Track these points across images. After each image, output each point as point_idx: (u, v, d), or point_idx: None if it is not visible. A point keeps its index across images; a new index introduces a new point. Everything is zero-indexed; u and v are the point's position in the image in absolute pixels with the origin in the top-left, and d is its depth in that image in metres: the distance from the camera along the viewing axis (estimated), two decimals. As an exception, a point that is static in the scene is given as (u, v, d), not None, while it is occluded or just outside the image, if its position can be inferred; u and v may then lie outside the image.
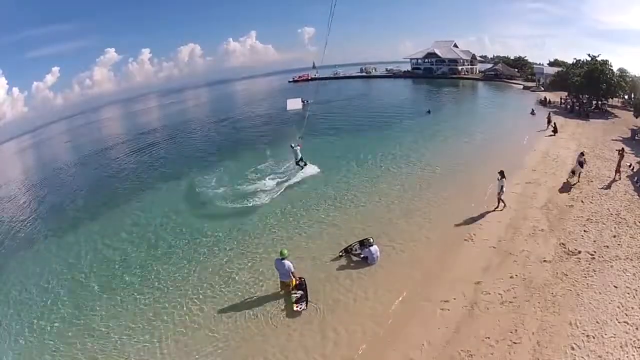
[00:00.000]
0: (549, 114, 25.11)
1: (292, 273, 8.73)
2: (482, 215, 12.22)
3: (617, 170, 14.54)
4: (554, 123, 23.61)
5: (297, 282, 9.08)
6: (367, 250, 10.07)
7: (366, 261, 10.03)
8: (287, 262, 8.65)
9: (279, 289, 9.17)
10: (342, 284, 9.32)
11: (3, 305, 10.49)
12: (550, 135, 22.34)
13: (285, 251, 8.86)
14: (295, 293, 8.82)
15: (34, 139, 63.51)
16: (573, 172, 14.43)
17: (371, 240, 10.26)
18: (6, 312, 10.14)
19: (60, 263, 12.61)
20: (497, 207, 12.59)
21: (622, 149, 15.61)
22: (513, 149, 19.87)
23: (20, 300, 10.68)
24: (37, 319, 9.51)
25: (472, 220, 11.95)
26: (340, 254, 10.57)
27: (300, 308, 8.47)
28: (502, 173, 12.29)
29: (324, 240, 11.68)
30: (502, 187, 12.23)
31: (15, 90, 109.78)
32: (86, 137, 47.88)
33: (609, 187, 13.70)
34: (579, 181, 14.34)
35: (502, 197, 12.48)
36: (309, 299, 8.69)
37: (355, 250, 10.50)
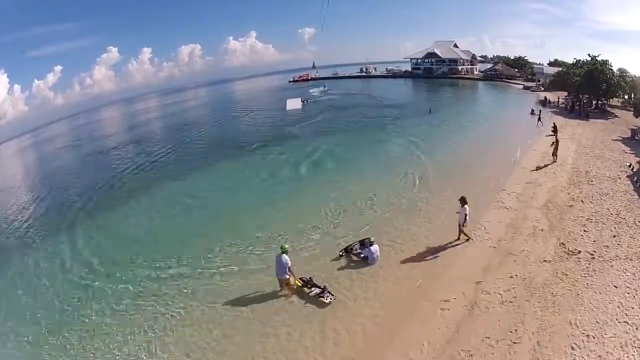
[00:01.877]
0: (554, 124, 23.30)
1: (288, 268, 8.68)
2: (482, 216, 12.20)
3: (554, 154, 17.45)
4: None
5: (303, 282, 9.15)
6: (367, 249, 10.07)
7: (366, 261, 10.02)
8: (284, 257, 8.61)
9: (279, 288, 9.14)
10: (342, 284, 9.31)
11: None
12: (550, 135, 22.31)
13: (286, 245, 8.90)
14: (312, 290, 8.90)
15: (37, 138, 63.22)
16: None
17: (372, 239, 10.26)
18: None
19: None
20: (458, 238, 10.65)
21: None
22: (513, 149, 19.87)
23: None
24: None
25: (472, 220, 11.92)
26: (341, 253, 10.56)
27: (330, 299, 8.58)
28: (463, 200, 10.32)
29: (325, 240, 11.68)
30: (465, 215, 10.25)
31: (18, 89, 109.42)
32: (88, 137, 47.87)
33: (544, 166, 15.46)
34: None
35: (464, 228, 10.49)
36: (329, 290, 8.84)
37: (356, 249, 10.50)
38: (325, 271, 9.94)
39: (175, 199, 17.53)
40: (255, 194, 16.59)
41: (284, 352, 7.39)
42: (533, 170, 16.08)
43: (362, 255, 10.17)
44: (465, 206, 10.27)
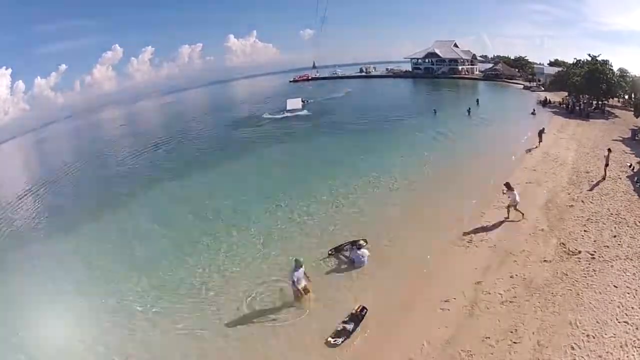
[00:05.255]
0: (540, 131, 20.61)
1: (294, 282, 8.29)
2: (482, 215, 12.21)
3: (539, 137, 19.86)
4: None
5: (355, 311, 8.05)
6: (355, 252, 9.95)
7: (352, 263, 9.92)
8: (300, 271, 8.31)
9: (292, 296, 8.78)
10: (342, 284, 9.30)
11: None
12: (552, 135, 22.25)
13: (301, 259, 8.49)
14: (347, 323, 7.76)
15: (44, 136, 63.12)
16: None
17: (361, 242, 10.20)
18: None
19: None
20: (522, 217, 11.66)
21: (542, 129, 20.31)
22: (514, 149, 19.89)
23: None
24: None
25: (473, 220, 11.94)
26: (330, 252, 10.52)
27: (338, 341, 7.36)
28: (508, 185, 11.73)
29: (324, 240, 11.64)
30: (515, 197, 11.48)
31: (22, 87, 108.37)
32: (93, 136, 47.87)
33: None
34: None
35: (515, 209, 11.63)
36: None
37: (346, 250, 10.41)
38: (325, 271, 9.94)
39: (175, 199, 17.56)
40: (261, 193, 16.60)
41: (284, 353, 7.39)
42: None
43: (349, 257, 10.07)
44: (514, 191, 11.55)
